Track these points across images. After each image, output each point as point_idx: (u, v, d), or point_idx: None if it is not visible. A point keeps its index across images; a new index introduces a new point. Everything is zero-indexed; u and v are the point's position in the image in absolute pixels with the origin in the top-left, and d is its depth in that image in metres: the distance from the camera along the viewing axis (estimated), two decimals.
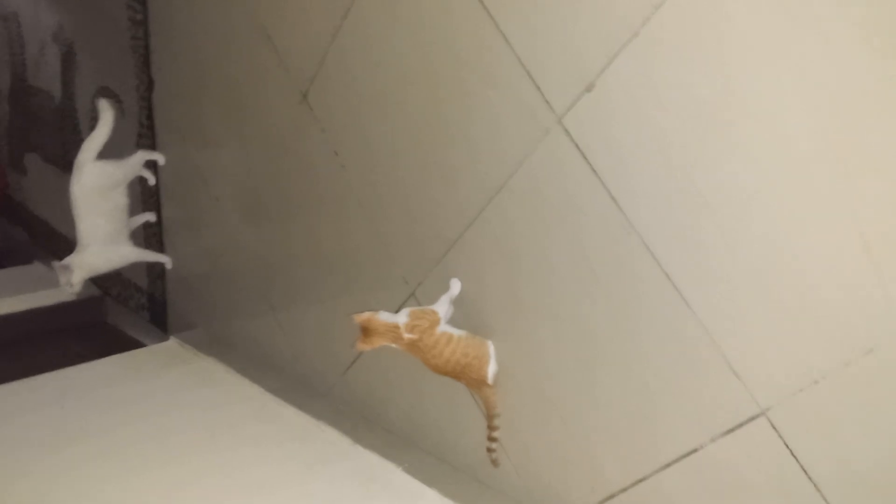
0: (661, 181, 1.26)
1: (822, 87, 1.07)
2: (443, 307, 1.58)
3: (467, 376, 1.54)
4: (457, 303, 1.62)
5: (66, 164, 2.50)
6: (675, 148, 1.23)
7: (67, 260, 2.44)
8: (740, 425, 1.23)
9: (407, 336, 1.51)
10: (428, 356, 1.54)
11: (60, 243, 2.78)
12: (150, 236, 2.69)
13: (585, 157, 1.36)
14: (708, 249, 1.22)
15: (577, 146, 1.37)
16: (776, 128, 1.12)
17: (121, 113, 2.67)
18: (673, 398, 1.32)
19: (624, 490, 1.42)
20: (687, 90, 1.21)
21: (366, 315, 1.52)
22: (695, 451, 1.30)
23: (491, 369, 1.54)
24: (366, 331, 1.51)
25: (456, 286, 1.61)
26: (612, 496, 1.44)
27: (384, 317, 1.52)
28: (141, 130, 2.58)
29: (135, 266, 2.79)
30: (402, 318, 1.53)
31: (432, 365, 1.55)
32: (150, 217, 2.65)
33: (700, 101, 1.19)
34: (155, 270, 2.72)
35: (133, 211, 2.59)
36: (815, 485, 1.17)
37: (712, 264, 1.22)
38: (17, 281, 3.17)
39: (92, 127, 2.82)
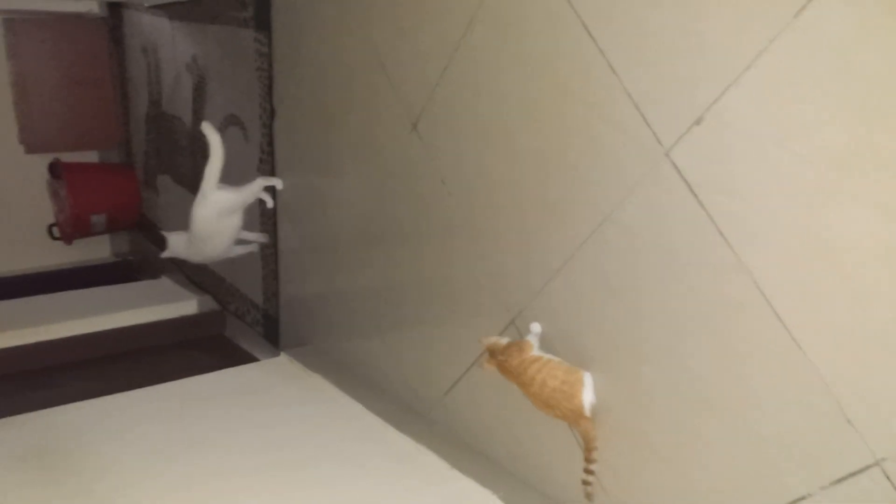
0: (776, 222, 1.23)
1: None
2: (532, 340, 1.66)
3: (563, 407, 1.54)
4: (556, 334, 1.63)
5: (193, 185, 2.68)
6: (793, 188, 1.20)
7: (171, 237, 2.77)
8: (852, 475, 1.17)
9: (499, 357, 1.63)
10: (523, 380, 1.58)
11: (185, 261, 2.97)
12: (266, 256, 2.83)
13: (693, 192, 1.34)
14: (826, 297, 1.18)
15: (684, 180, 1.35)
16: None
17: (244, 139, 2.84)
18: (782, 444, 1.27)
19: None
20: (806, 129, 1.17)
21: (492, 339, 1.70)
22: (803, 498, 1.25)
23: (587, 399, 1.54)
24: (491, 352, 1.68)
25: (536, 328, 1.68)
26: None
27: (500, 340, 1.68)
28: (262, 156, 2.73)
29: (252, 284, 2.96)
30: (504, 341, 1.65)
31: (530, 394, 1.57)
32: (263, 238, 2.81)
33: (823, 143, 1.15)
34: (270, 289, 2.85)
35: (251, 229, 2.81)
36: None
37: (830, 312, 1.18)
38: (146, 293, 3.39)
39: None
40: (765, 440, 1.29)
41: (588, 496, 1.58)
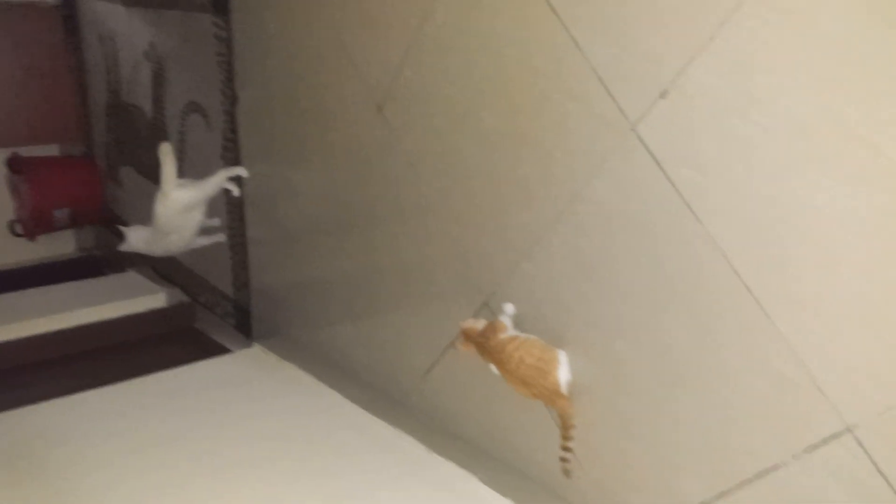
0: (743, 193, 1.23)
1: None
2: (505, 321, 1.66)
3: (539, 384, 1.54)
4: (530, 314, 1.62)
5: (157, 176, 2.64)
6: (759, 159, 1.20)
7: (130, 233, 2.75)
8: (824, 442, 1.19)
9: (478, 338, 1.64)
10: (501, 358, 1.58)
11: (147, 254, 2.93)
12: (235, 245, 2.79)
13: (660, 166, 1.34)
14: (793, 266, 1.18)
15: (651, 155, 1.35)
16: (870, 140, 1.08)
17: (207, 126, 2.79)
18: (754, 414, 1.28)
19: None
20: (770, 98, 1.17)
21: (469, 322, 1.70)
22: (776, 467, 1.26)
23: (563, 377, 1.54)
24: (467, 334, 1.69)
25: (510, 308, 1.67)
26: None
27: (477, 324, 1.68)
28: (226, 144, 2.68)
29: (222, 275, 2.92)
30: (480, 325, 1.66)
31: (507, 371, 1.58)
32: (216, 222, 2.80)
33: (785, 111, 1.15)
34: (240, 279, 2.81)
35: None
36: None
37: (798, 281, 1.18)
38: (113, 288, 3.33)
39: (181, 140, 2.97)
40: (737, 411, 1.30)
41: (566, 473, 1.59)
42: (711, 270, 1.29)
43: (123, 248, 2.79)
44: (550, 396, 1.55)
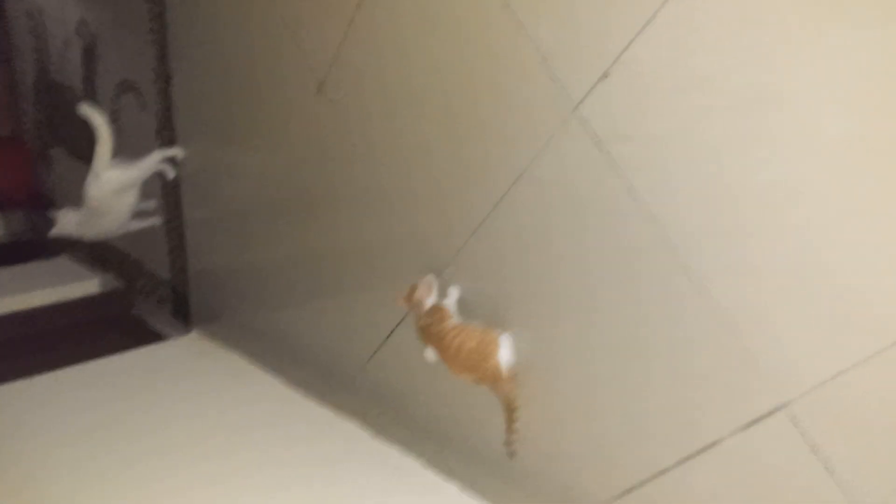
0: (682, 171, 1.23)
1: (862, 74, 1.04)
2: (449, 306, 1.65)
3: (481, 368, 1.53)
4: (475, 295, 1.61)
5: (89, 157, 2.53)
6: (698, 137, 1.20)
7: (61, 216, 2.64)
8: (761, 418, 1.21)
9: (424, 321, 1.63)
10: (443, 345, 1.57)
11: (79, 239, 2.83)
12: (172, 229, 2.70)
13: (601, 147, 1.33)
14: (731, 241, 1.20)
15: (593, 136, 1.34)
16: (809, 115, 1.09)
17: (141, 106, 2.69)
18: (694, 390, 1.29)
19: (643, 483, 1.40)
20: (709, 77, 1.17)
21: (421, 286, 1.65)
22: (715, 443, 1.28)
23: (504, 358, 1.53)
24: (410, 293, 1.65)
25: (454, 293, 1.66)
26: (632, 488, 1.42)
27: (423, 294, 1.64)
28: (161, 123, 2.59)
29: (158, 259, 2.83)
30: (428, 303, 1.64)
31: (449, 359, 1.57)
32: (150, 205, 2.73)
33: (725, 88, 1.16)
34: (177, 263, 2.73)
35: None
36: (836, 481, 1.14)
37: (736, 255, 1.19)
38: (43, 274, 3.22)
39: (114, 120, 2.86)
40: (677, 388, 1.32)
41: (511, 455, 1.58)
42: (652, 246, 1.29)
43: (54, 233, 2.68)
44: (493, 380, 1.55)
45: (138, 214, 2.68)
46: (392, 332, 1.88)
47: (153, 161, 2.52)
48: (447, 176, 1.64)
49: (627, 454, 1.42)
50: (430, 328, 1.61)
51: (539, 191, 1.46)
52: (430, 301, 1.64)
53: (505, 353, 1.53)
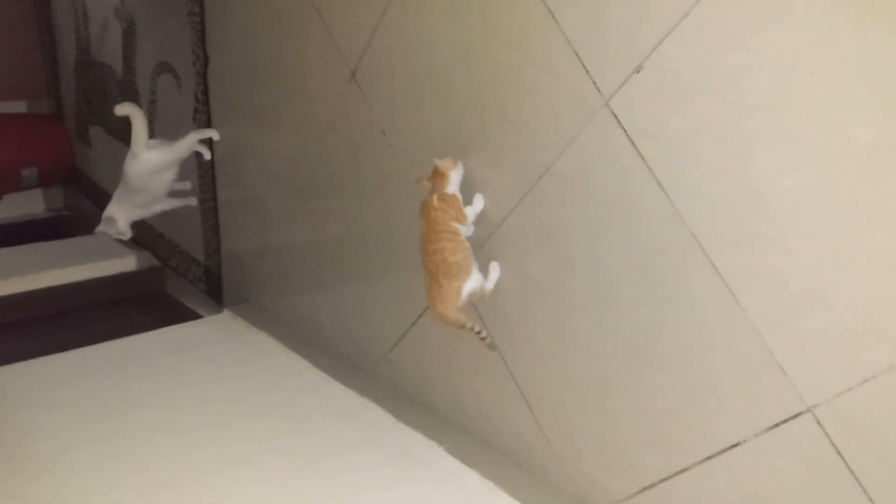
0: (712, 171, 1.22)
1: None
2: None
3: (440, 278, 1.58)
4: (499, 290, 1.62)
5: (126, 137, 2.58)
6: (728, 137, 1.19)
7: (108, 212, 2.70)
8: (785, 421, 1.20)
9: (437, 202, 1.60)
10: (434, 236, 1.59)
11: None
12: (206, 210, 2.75)
13: (632, 142, 1.32)
14: (759, 245, 1.18)
15: (624, 130, 1.33)
16: (837, 121, 1.07)
17: (178, 87, 2.72)
18: (718, 392, 1.29)
19: (664, 480, 1.40)
20: (741, 76, 1.16)
21: (447, 159, 1.60)
22: (737, 444, 1.27)
23: (466, 291, 1.58)
24: (435, 173, 1.60)
25: (480, 202, 1.63)
26: (651, 485, 1.43)
27: (452, 177, 1.60)
28: (197, 105, 2.62)
29: (193, 240, 2.88)
30: (451, 188, 1.61)
31: (425, 246, 1.61)
32: (186, 185, 2.77)
33: (755, 89, 1.14)
34: (211, 245, 2.78)
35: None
36: (861, 485, 1.13)
37: (763, 260, 1.18)
38: (82, 250, 3.28)
39: (152, 101, 2.90)
40: (700, 389, 1.31)
41: (489, 347, 1.68)
42: (678, 247, 1.28)
43: (100, 229, 2.76)
44: (442, 299, 1.58)
45: (174, 194, 2.72)
46: (414, 323, 1.90)
47: (190, 142, 2.56)
48: (475, 166, 1.64)
49: (648, 452, 1.42)
50: (435, 213, 1.60)
51: (566, 184, 1.45)
52: (454, 179, 1.60)
53: (469, 286, 1.58)
